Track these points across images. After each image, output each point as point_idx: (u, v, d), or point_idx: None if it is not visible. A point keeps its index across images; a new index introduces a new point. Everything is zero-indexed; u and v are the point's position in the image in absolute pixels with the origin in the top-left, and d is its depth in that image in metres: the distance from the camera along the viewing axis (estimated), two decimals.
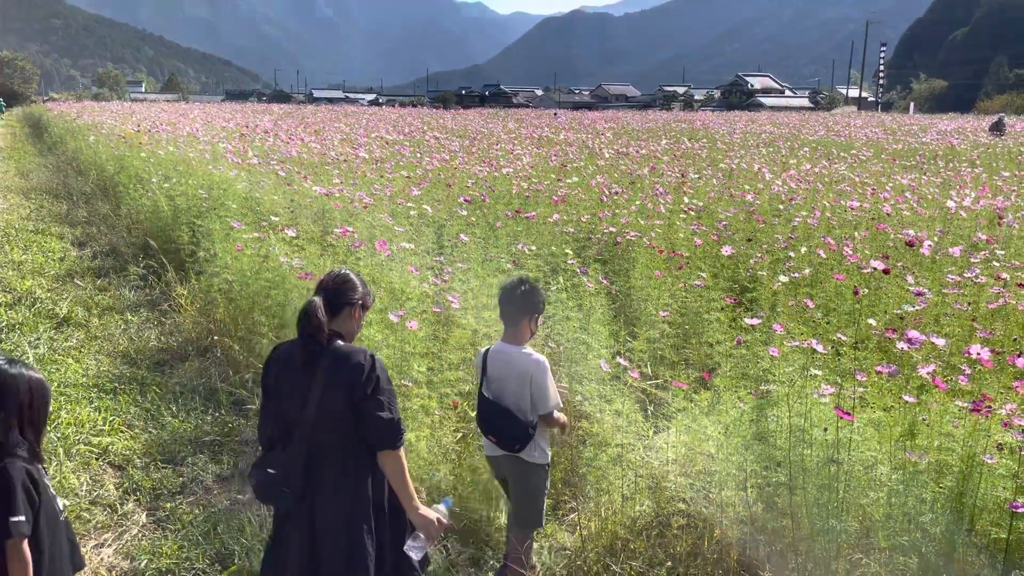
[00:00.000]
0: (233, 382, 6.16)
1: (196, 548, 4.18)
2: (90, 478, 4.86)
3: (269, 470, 2.92)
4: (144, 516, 4.53)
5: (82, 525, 4.37)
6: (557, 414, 3.76)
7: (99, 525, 4.39)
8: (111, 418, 5.62)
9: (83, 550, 4.06)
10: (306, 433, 2.90)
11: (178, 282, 8.25)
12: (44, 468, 2.58)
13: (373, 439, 2.93)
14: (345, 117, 35.17)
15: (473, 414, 5.25)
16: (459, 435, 4.94)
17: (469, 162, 14.21)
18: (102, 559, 4.07)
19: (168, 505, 4.65)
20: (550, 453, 3.90)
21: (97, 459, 5.11)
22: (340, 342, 3.00)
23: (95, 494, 4.69)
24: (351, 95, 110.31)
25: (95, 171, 16.53)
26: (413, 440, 4.33)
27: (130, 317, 8.03)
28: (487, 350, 3.80)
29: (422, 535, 3.03)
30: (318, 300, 2.97)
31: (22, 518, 2.36)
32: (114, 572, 3.99)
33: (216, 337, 6.95)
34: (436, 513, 3.04)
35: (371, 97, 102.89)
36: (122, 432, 5.48)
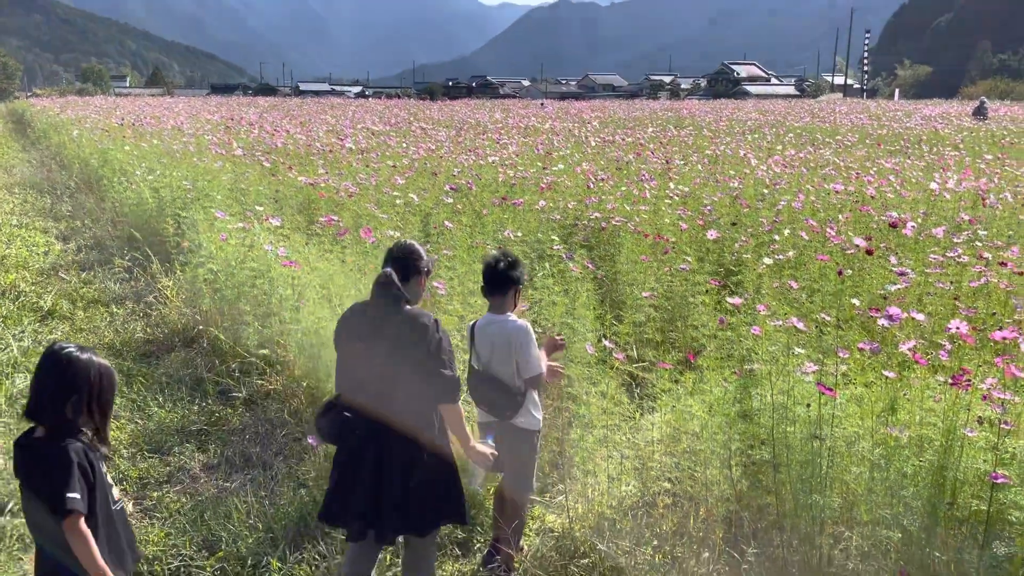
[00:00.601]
0: (219, 372, 6.16)
1: (183, 535, 4.18)
2: None
3: (346, 413, 3.27)
4: (131, 505, 4.52)
5: None
6: (543, 370, 3.81)
7: None
8: None
9: None
10: (375, 386, 3.24)
11: (163, 274, 8.23)
12: (102, 454, 2.65)
13: (435, 393, 3.26)
14: (331, 109, 35.02)
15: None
16: None
17: (455, 151, 14.19)
18: None
19: (155, 494, 4.64)
20: (541, 419, 3.95)
21: None
22: (408, 306, 3.29)
23: None
24: (337, 88, 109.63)
25: (79, 165, 16.42)
26: None
27: (115, 309, 8.00)
28: (474, 323, 3.93)
29: (480, 467, 3.55)
30: (390, 270, 3.28)
31: (77, 495, 2.43)
32: None
33: (202, 327, 6.93)
34: (488, 448, 3.46)
35: (358, 89, 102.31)
36: None
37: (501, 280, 3.78)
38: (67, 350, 2.55)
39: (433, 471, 3.34)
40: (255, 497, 4.50)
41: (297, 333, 5.47)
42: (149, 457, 5.07)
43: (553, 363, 3.98)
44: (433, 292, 5.83)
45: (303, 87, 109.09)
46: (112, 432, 5.26)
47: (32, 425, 2.59)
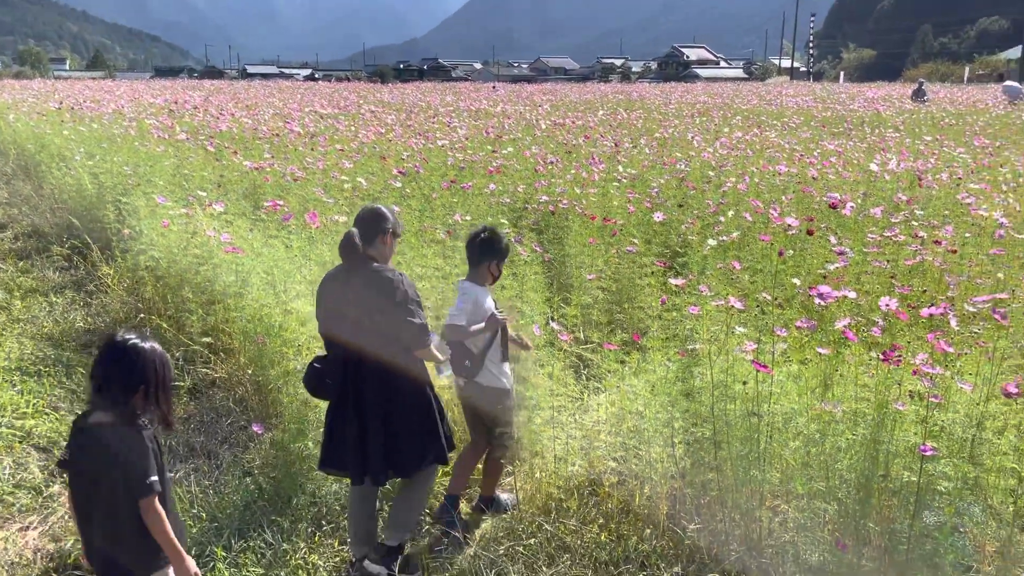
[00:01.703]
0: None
1: None
2: (13, 461, 4.72)
3: (316, 365, 3.59)
4: None
5: (5, 509, 4.26)
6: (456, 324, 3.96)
7: (24, 508, 4.28)
8: (35, 401, 5.46)
9: (6, 533, 3.98)
10: (345, 338, 3.50)
11: (104, 261, 8.03)
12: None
13: (406, 341, 3.52)
14: (279, 92, 34.40)
15: None
16: None
17: (405, 135, 14.07)
18: (27, 542, 3.98)
19: None
20: (508, 380, 4.10)
21: (20, 442, 4.96)
22: (375, 264, 3.55)
23: (19, 477, 4.57)
24: (286, 71, 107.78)
25: (15, 151, 15.89)
26: None
27: (55, 299, 7.79)
28: (459, 281, 4.23)
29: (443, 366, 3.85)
30: (354, 230, 3.53)
31: (155, 478, 2.61)
32: (40, 555, 3.90)
33: (144, 316, 6.79)
34: (442, 355, 3.77)
35: (307, 72, 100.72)
36: (47, 415, 5.33)
37: (480, 252, 4.06)
38: (132, 341, 2.63)
39: (412, 415, 3.64)
40: (199, 487, 4.45)
41: (242, 320, 5.40)
42: None
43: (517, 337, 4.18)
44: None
45: (251, 70, 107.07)
46: (50, 424, 5.16)
47: (86, 411, 2.67)
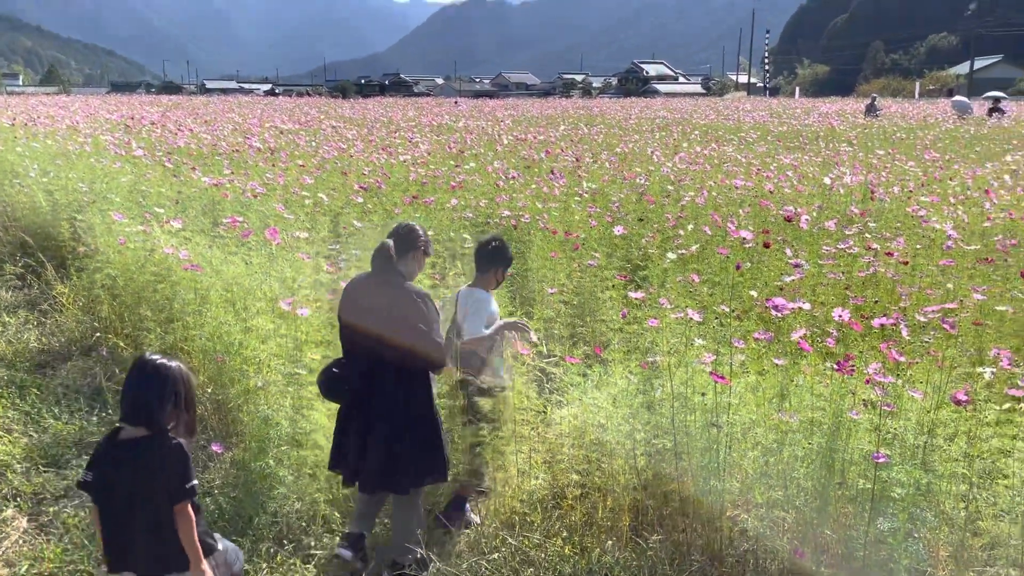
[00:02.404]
0: (119, 380, 5.94)
1: (81, 551, 4.03)
2: None
3: (334, 369, 3.75)
4: (25, 521, 4.34)
5: None
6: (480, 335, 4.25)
7: None
8: None
9: None
10: (368, 347, 3.65)
11: (59, 280, 7.88)
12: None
13: (426, 359, 3.68)
14: (239, 107, 34.10)
15: None
16: None
17: (367, 150, 14.04)
18: None
19: (51, 509, 4.46)
20: (507, 379, 4.31)
21: None
22: (405, 281, 3.73)
23: None
24: (246, 86, 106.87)
25: None
26: (307, 431, 4.29)
27: (7, 319, 7.63)
28: (459, 292, 4.49)
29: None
30: (390, 242, 3.72)
31: (195, 483, 2.85)
32: None
33: (101, 335, 6.68)
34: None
35: (267, 87, 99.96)
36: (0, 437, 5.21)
37: (488, 259, 4.41)
38: (160, 361, 2.86)
39: (418, 435, 3.77)
40: None
41: (200, 338, 5.33)
42: (44, 471, 4.86)
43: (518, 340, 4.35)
44: (341, 292, 5.78)
45: (209, 85, 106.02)
46: (3, 446, 5.04)
47: (115, 429, 2.86)
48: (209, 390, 5.47)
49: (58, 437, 5.26)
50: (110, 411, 5.60)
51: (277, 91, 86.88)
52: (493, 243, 4.44)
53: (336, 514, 4.27)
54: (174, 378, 2.84)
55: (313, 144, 15.01)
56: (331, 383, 3.76)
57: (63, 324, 7.24)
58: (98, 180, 9.76)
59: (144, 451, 2.79)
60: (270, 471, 4.33)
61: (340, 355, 3.92)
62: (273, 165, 11.24)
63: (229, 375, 4.92)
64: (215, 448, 4.56)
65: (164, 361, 2.86)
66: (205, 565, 2.91)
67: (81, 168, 10.76)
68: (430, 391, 3.84)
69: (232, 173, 10.38)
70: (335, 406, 3.98)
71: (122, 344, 6.25)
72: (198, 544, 2.87)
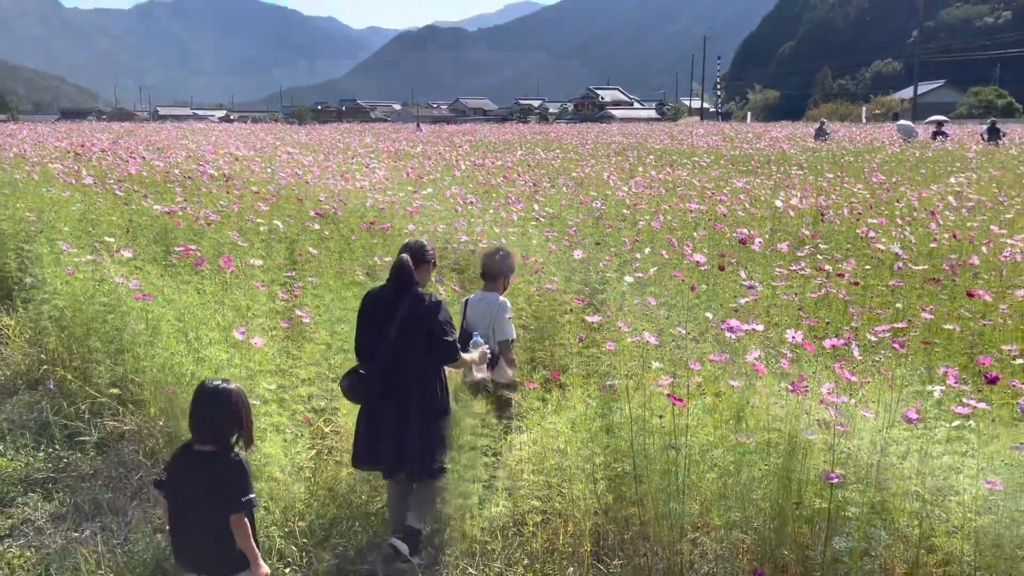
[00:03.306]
0: (68, 414, 5.77)
1: None
2: None
3: (361, 371, 4.14)
4: None
5: None
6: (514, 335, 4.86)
7: None
8: None
9: None
10: (389, 351, 4.07)
11: (4, 312, 7.67)
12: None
13: (440, 356, 4.17)
14: (192, 134, 33.73)
15: (327, 429, 5.20)
16: (313, 451, 4.84)
17: (323, 176, 13.96)
18: None
19: None
20: (514, 377, 4.75)
21: None
22: (420, 288, 4.21)
23: None
24: (200, 112, 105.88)
25: None
26: (261, 462, 4.21)
27: None
28: (467, 299, 4.96)
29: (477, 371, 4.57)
30: (407, 256, 4.19)
31: (253, 496, 3.15)
32: None
33: (48, 368, 6.51)
34: (480, 349, 4.53)
35: (221, 114, 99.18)
36: None
37: (497, 268, 4.88)
38: (222, 386, 3.18)
39: (436, 420, 4.19)
40: (106, 546, 4.24)
41: (152, 370, 5.22)
42: None
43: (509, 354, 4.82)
44: (297, 321, 5.71)
45: (162, 111, 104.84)
46: None
47: (188, 442, 3.22)
48: (160, 423, 5.35)
49: (2, 475, 5.08)
50: (57, 446, 5.44)
51: (232, 117, 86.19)
52: (499, 254, 4.93)
53: (292, 547, 4.18)
54: (235, 400, 3.18)
55: (268, 170, 14.89)
56: (356, 385, 4.13)
57: (8, 357, 7.04)
58: (46, 209, 9.56)
59: (211, 464, 3.13)
60: None
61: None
62: (227, 192, 11.11)
63: (181, 407, 4.80)
64: None
65: (225, 385, 3.19)
66: (265, 568, 3.21)
67: (29, 197, 10.53)
68: (446, 386, 4.31)
69: (185, 200, 10.24)
70: (288, 438, 3.95)
71: (70, 377, 6.09)
72: (255, 547, 3.18)
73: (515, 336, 4.85)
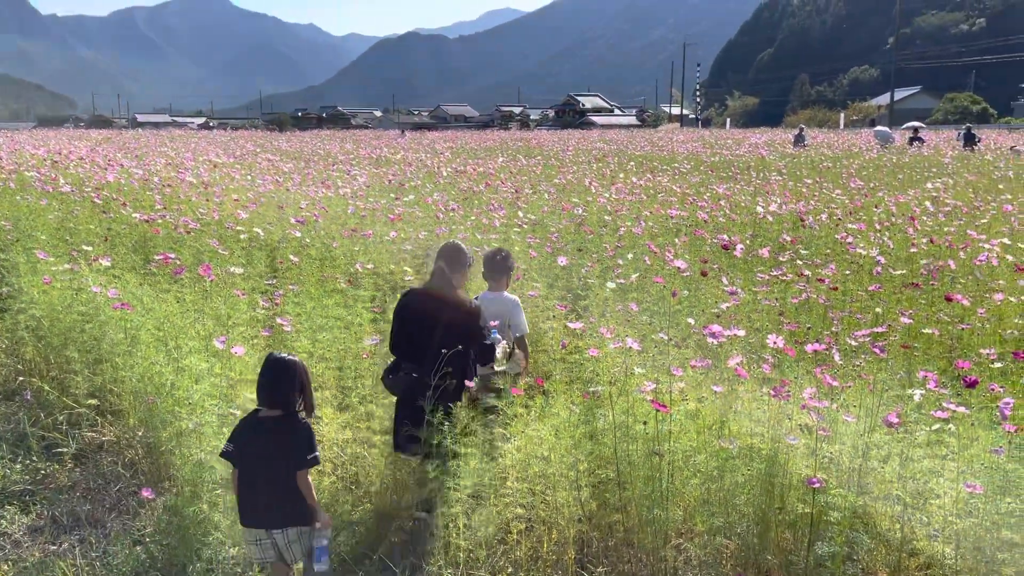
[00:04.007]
0: (45, 425, 5.69)
1: None
2: None
3: (413, 374, 4.40)
4: None
5: None
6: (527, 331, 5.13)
7: None
8: None
9: None
10: (434, 350, 4.24)
11: None
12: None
13: (478, 356, 4.50)
14: (171, 141, 33.50)
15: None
16: None
17: (304, 183, 13.91)
18: None
19: None
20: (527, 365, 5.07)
21: None
22: (458, 291, 4.55)
23: None
24: (179, 119, 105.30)
25: None
26: None
27: None
28: (476, 297, 5.06)
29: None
30: (443, 264, 4.54)
31: (317, 454, 3.52)
32: None
33: (25, 378, 6.42)
34: (499, 345, 4.81)
35: (201, 121, 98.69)
36: None
37: (499, 269, 5.13)
38: (288, 358, 3.57)
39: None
40: (85, 559, 4.18)
41: (131, 379, 5.16)
42: None
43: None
44: (278, 329, 5.67)
45: (141, 118, 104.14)
46: None
47: (255, 410, 3.57)
48: (140, 433, 5.29)
49: None
50: (34, 458, 5.36)
51: (211, 124, 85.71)
52: (500, 255, 5.19)
53: None
54: (300, 371, 3.54)
55: (249, 178, 14.81)
56: (407, 384, 4.41)
57: None
58: (23, 217, 9.45)
59: (280, 427, 3.49)
60: (204, 516, 4.18)
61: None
62: (207, 200, 11.04)
63: (161, 417, 4.75)
64: (146, 493, 4.39)
65: (290, 357, 3.58)
66: (327, 517, 3.58)
67: (5, 205, 10.42)
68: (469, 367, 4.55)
69: (164, 208, 10.15)
70: None
71: (47, 387, 6.00)
72: (317, 502, 3.55)
73: (527, 331, 5.15)
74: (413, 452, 4.46)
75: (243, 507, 3.54)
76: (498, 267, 5.17)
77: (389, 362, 4.70)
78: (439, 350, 4.23)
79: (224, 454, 3.54)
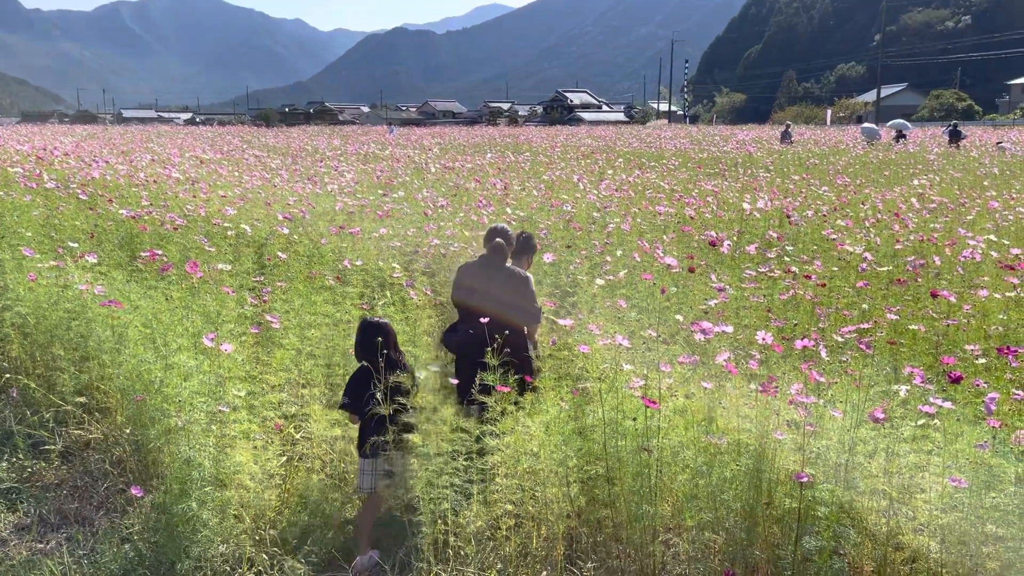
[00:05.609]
0: (31, 423, 5.66)
1: None
2: None
3: (471, 331, 4.93)
4: None
5: None
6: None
7: None
8: None
9: None
10: (489, 312, 4.77)
11: None
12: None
13: (527, 319, 5.08)
14: (157, 137, 33.30)
15: (298, 436, 5.16)
16: (284, 458, 4.80)
17: (291, 180, 13.86)
18: None
19: None
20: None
21: None
22: (509, 263, 5.19)
23: None
24: (165, 114, 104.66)
25: None
26: (231, 471, 4.16)
27: None
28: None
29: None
30: (501, 241, 5.16)
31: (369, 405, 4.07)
32: None
33: (11, 376, 6.37)
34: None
35: (187, 116, 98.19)
36: None
37: (520, 249, 5.62)
38: (378, 320, 4.36)
39: (523, 368, 4.85)
40: (72, 557, 4.17)
41: (119, 377, 5.13)
42: None
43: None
44: (267, 326, 5.65)
45: (127, 114, 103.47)
46: None
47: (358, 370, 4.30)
48: (127, 431, 5.27)
49: None
50: (21, 456, 5.33)
51: (198, 120, 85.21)
52: (523, 235, 5.76)
53: (263, 555, 4.14)
54: (389, 330, 4.30)
55: (236, 174, 14.74)
56: (464, 340, 4.97)
57: None
58: (7, 214, 9.38)
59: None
60: (193, 514, 4.17)
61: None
62: (194, 196, 10.98)
63: (149, 415, 4.73)
64: (134, 491, 4.38)
65: (379, 320, 4.36)
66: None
67: None
68: (526, 341, 5.07)
69: (151, 205, 10.10)
70: (259, 445, 3.92)
71: (33, 385, 5.97)
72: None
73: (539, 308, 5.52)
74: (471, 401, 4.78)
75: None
76: (517, 248, 5.63)
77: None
78: (493, 310, 4.86)
79: (342, 406, 4.30)
